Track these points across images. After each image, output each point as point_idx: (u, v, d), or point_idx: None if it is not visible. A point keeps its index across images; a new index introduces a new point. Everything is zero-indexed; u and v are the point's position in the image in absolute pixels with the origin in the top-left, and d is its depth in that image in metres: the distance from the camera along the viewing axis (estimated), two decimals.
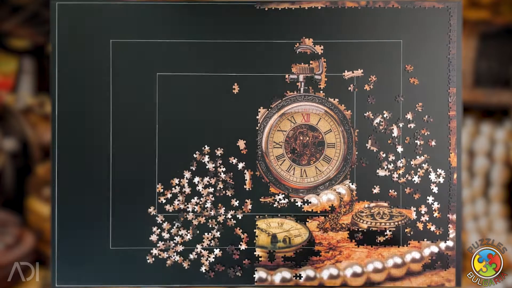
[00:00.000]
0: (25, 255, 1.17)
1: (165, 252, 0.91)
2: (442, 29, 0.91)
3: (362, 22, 0.91)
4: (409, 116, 0.91)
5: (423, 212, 0.91)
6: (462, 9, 0.92)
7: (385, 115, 0.91)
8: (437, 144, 0.91)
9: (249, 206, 0.91)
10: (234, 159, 0.91)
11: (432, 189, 0.91)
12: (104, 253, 0.91)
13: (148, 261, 0.91)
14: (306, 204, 0.92)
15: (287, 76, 0.91)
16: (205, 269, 0.91)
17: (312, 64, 0.91)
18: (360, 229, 0.91)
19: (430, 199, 0.91)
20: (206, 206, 0.92)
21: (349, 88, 0.91)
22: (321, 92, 0.92)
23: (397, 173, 0.91)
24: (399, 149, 0.91)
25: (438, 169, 0.91)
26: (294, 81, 0.91)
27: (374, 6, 0.91)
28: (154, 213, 0.91)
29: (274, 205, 0.91)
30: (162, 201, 0.91)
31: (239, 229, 0.91)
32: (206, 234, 0.91)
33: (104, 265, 0.91)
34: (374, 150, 0.91)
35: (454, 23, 0.91)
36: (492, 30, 1.27)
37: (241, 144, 0.91)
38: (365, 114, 0.91)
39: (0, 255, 1.14)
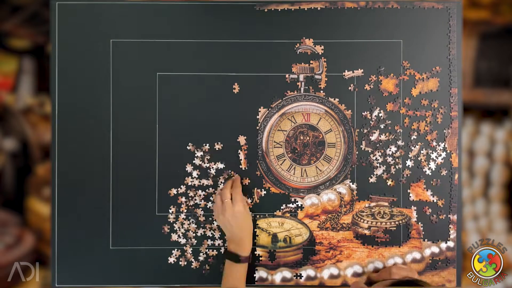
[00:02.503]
0: (25, 255, 1.17)
1: (165, 252, 0.91)
2: (442, 30, 0.91)
3: (362, 22, 0.91)
4: (409, 117, 0.91)
5: (423, 212, 0.91)
6: (462, 9, 0.92)
7: (381, 116, 0.91)
8: (438, 144, 0.91)
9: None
10: (234, 158, 0.91)
11: (433, 189, 0.91)
12: (104, 253, 0.91)
13: (148, 261, 0.91)
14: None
15: (287, 76, 0.91)
16: (205, 269, 0.91)
17: (312, 64, 0.91)
18: (364, 229, 0.91)
19: (431, 199, 0.91)
20: (206, 206, 0.92)
21: (349, 88, 0.91)
22: (321, 92, 0.91)
23: (397, 172, 0.91)
24: (399, 149, 0.91)
25: (439, 169, 0.91)
26: (295, 81, 0.91)
27: (374, 6, 0.91)
28: (155, 213, 0.91)
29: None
30: (162, 201, 0.91)
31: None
32: (206, 234, 0.92)
33: (104, 265, 0.91)
34: (369, 151, 0.91)
35: (454, 23, 0.91)
36: (492, 30, 1.27)
37: (242, 140, 0.91)
38: (363, 114, 0.91)
39: (0, 255, 1.14)
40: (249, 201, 0.91)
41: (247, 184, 0.91)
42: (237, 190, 0.87)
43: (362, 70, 0.91)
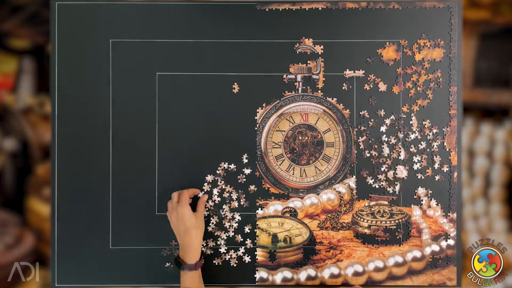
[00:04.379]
0: (25, 255, 1.17)
1: (165, 252, 0.91)
2: (444, 28, 0.91)
3: (363, 22, 0.91)
4: (410, 116, 0.91)
5: (423, 210, 0.91)
6: (462, 8, 0.92)
7: (382, 115, 0.91)
8: (437, 142, 0.91)
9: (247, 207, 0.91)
10: (233, 159, 0.91)
11: (433, 187, 0.91)
12: (104, 253, 0.91)
13: (148, 260, 0.91)
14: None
15: (284, 76, 0.91)
16: (205, 269, 0.91)
17: (310, 64, 0.91)
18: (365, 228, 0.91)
19: (431, 197, 0.91)
20: (206, 207, 0.92)
21: (348, 88, 0.91)
22: (319, 91, 0.91)
23: (397, 171, 0.91)
24: (400, 148, 0.91)
25: (438, 168, 0.91)
26: (292, 81, 0.91)
27: (375, 7, 0.91)
28: (155, 213, 0.91)
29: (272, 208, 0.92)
30: (162, 201, 0.91)
31: (239, 230, 0.91)
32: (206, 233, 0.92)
33: (104, 265, 0.91)
34: (366, 150, 0.91)
35: (455, 22, 0.91)
36: (492, 30, 1.27)
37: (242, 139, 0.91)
38: (360, 113, 0.91)
39: (0, 255, 1.14)
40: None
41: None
42: (185, 194, 0.87)
43: (363, 71, 0.91)
